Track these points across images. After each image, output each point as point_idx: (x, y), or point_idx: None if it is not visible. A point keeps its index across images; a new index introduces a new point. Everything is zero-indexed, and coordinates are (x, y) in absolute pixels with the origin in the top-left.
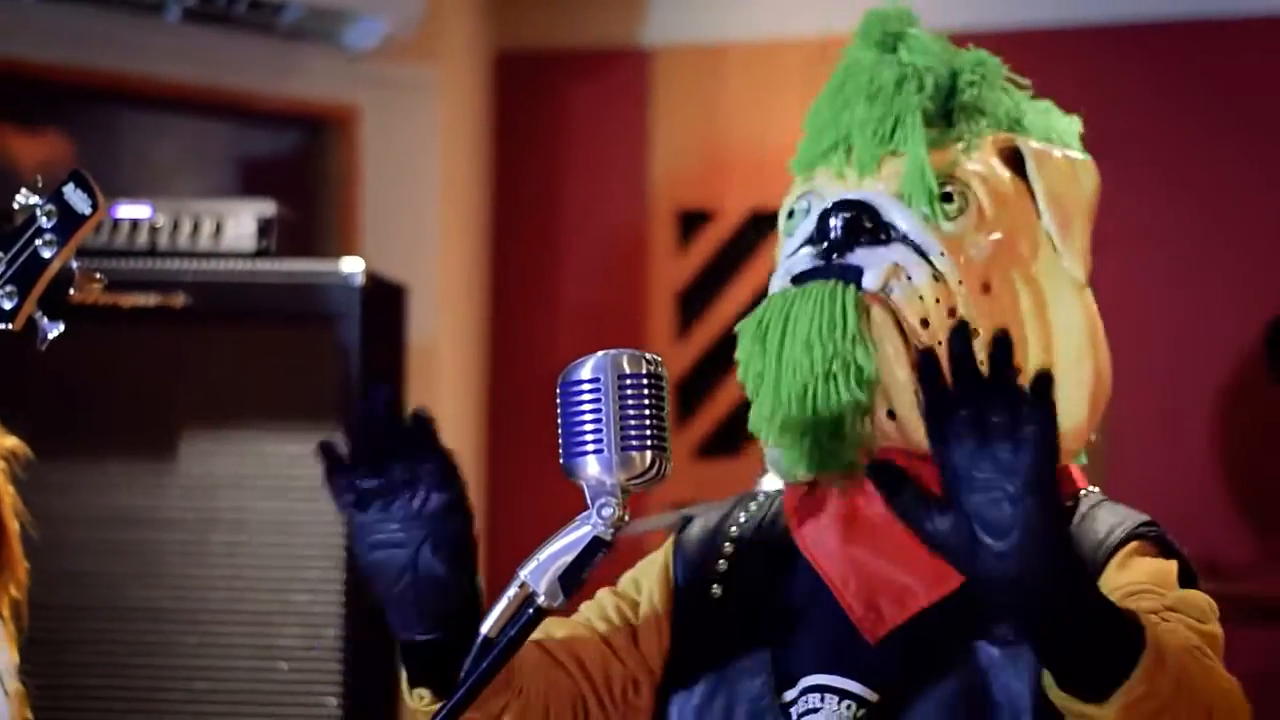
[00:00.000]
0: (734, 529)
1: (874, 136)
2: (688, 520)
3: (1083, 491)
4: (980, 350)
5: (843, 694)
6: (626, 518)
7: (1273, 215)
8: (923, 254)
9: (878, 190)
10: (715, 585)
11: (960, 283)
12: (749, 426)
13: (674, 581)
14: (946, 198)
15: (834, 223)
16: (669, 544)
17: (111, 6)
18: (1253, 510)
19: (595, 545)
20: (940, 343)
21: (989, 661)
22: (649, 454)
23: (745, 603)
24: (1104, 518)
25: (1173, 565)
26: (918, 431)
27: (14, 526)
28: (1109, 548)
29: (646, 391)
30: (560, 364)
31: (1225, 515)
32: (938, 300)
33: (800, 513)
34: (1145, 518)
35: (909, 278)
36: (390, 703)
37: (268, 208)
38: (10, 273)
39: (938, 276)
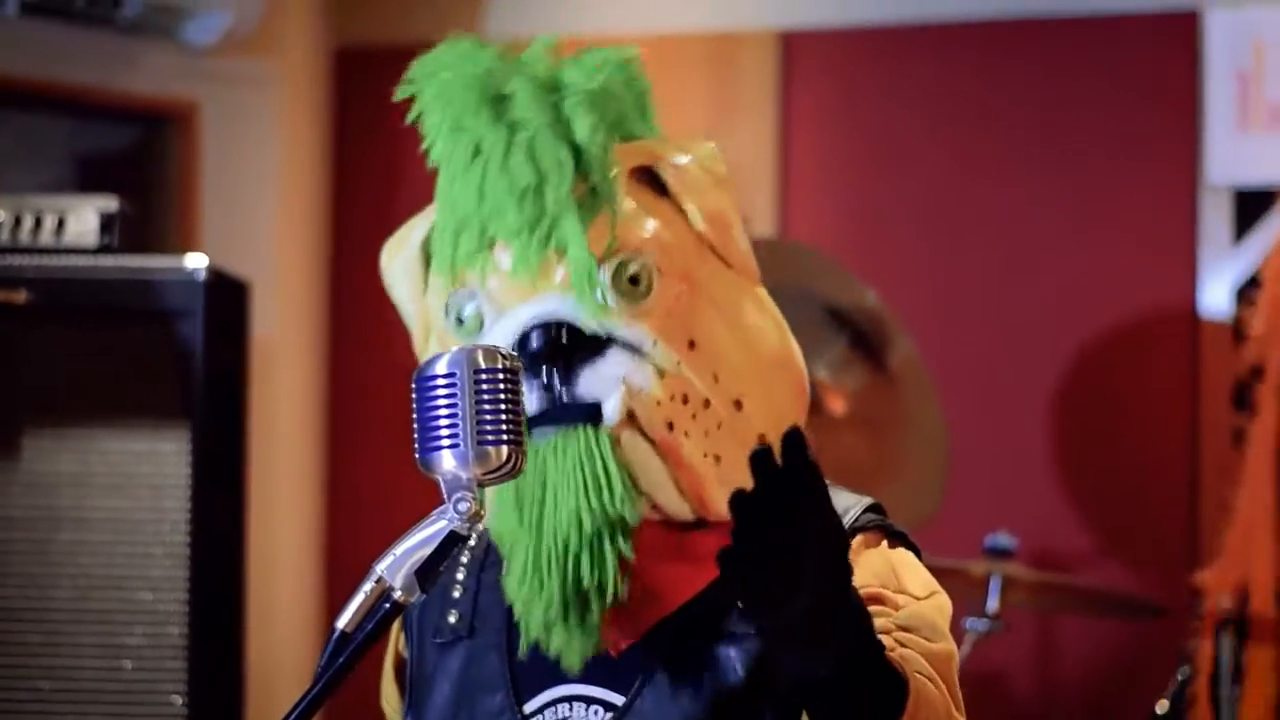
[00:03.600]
0: (464, 555)
1: (531, 241)
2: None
3: None
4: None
5: (590, 700)
6: (482, 512)
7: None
8: (637, 351)
9: (555, 294)
10: (451, 611)
11: (679, 363)
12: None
13: (407, 629)
14: (633, 280)
15: (541, 351)
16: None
17: None
18: (1088, 505)
19: (451, 539)
20: (686, 433)
21: (728, 662)
22: (505, 449)
23: (481, 622)
24: (839, 495)
25: (899, 555)
26: (682, 512)
27: None
28: (853, 525)
29: (502, 386)
30: (401, 361)
31: (1063, 509)
32: (672, 397)
33: None
34: (868, 501)
35: (641, 389)
36: (234, 701)
37: (110, 203)
38: None
39: (660, 371)
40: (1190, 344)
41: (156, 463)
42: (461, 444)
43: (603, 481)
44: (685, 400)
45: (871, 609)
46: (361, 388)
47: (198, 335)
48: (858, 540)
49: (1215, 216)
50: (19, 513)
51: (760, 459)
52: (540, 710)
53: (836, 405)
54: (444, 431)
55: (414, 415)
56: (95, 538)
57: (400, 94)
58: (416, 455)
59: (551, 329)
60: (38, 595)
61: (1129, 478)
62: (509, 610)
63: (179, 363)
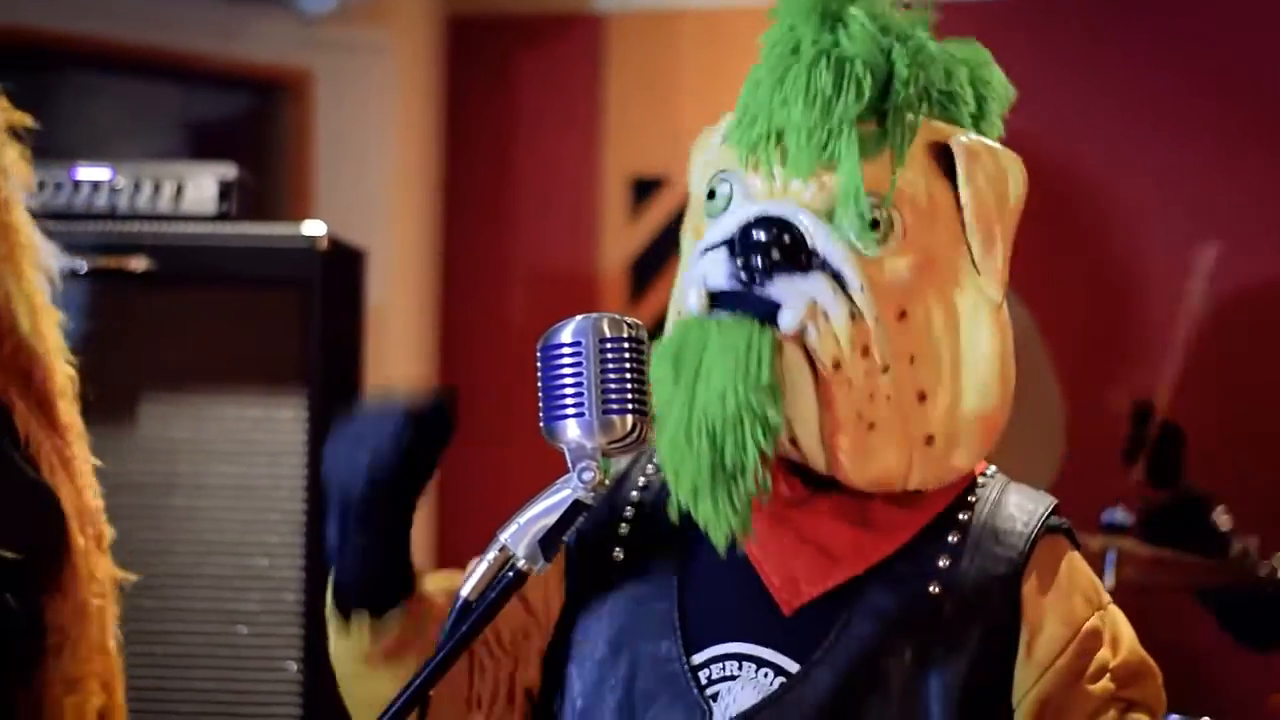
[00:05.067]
0: (634, 493)
1: (809, 144)
2: None
3: (982, 476)
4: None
5: (761, 663)
6: (607, 481)
7: None
8: (842, 285)
9: (806, 199)
10: (617, 549)
11: (876, 319)
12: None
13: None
14: (873, 223)
15: (756, 239)
16: None
17: None
18: (1205, 480)
19: (576, 508)
20: (850, 382)
21: (901, 648)
22: (630, 418)
23: (649, 566)
24: (1013, 504)
25: (1085, 567)
26: (817, 457)
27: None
28: (1027, 544)
29: (627, 355)
30: (512, 328)
31: None
32: (853, 342)
33: None
34: (1050, 500)
35: (825, 316)
36: None
37: (229, 170)
38: None
39: (854, 314)
40: None
41: (273, 429)
42: (586, 413)
43: (753, 373)
44: (865, 353)
45: (1093, 674)
46: (471, 356)
47: (316, 302)
48: (1051, 542)
49: None
50: (137, 479)
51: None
52: (707, 664)
53: None
54: (569, 400)
55: (538, 384)
56: (212, 504)
57: None
58: (541, 423)
59: (776, 225)
60: (155, 561)
61: (1248, 452)
62: (682, 546)
63: (297, 330)
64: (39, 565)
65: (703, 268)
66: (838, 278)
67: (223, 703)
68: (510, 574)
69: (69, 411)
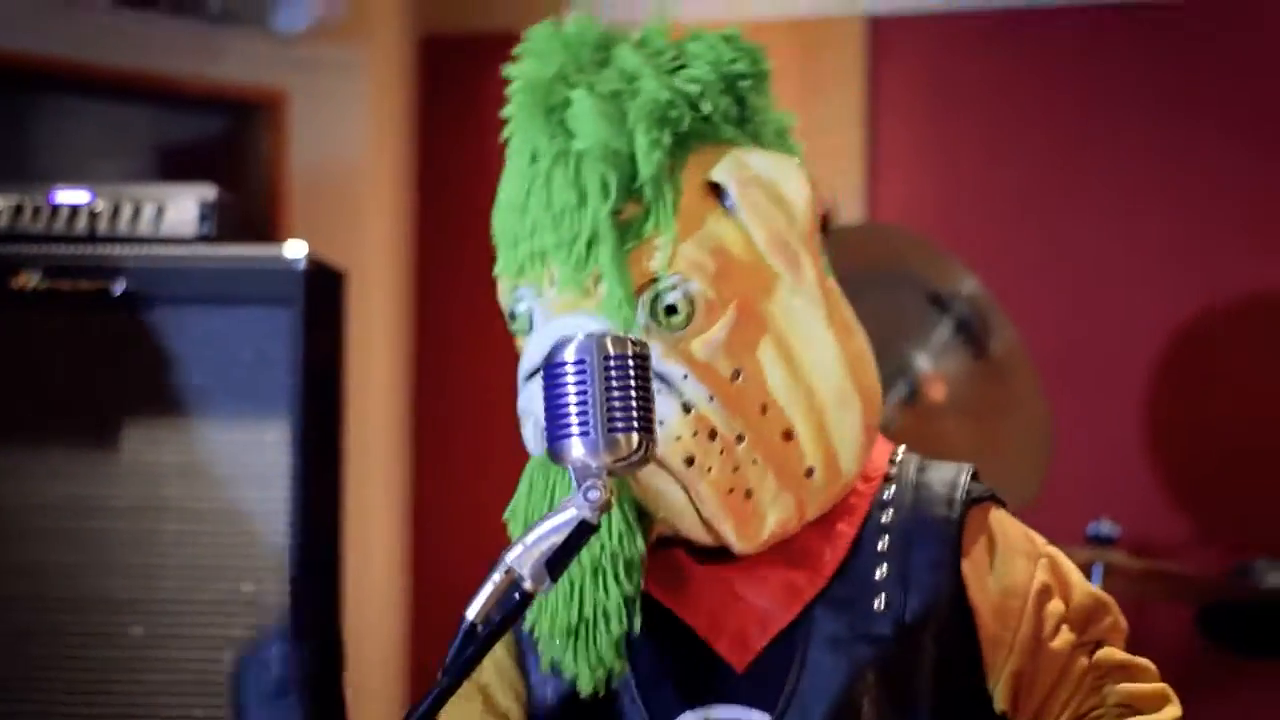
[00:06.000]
0: None
1: (570, 261)
2: None
3: (891, 464)
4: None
5: None
6: (612, 501)
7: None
8: (666, 383)
9: (593, 316)
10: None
11: (710, 398)
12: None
13: (517, 632)
14: (669, 310)
15: None
16: None
17: None
18: (1189, 492)
19: (582, 529)
20: (710, 469)
21: (865, 665)
22: (635, 436)
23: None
24: (933, 485)
25: (1013, 524)
26: (708, 540)
27: None
28: (956, 529)
29: (632, 372)
30: (490, 347)
31: (1165, 496)
32: (695, 433)
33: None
34: (969, 467)
35: (660, 423)
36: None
37: (209, 192)
38: None
39: (687, 406)
40: None
41: (259, 453)
42: (591, 431)
43: (609, 515)
44: (712, 436)
45: (1055, 629)
46: (449, 377)
47: (298, 325)
48: (978, 513)
49: None
50: (121, 503)
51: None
52: None
53: (937, 392)
54: (573, 419)
55: (543, 403)
56: (199, 528)
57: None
58: (545, 444)
59: None
60: (141, 585)
61: (1232, 465)
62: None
63: (278, 353)
64: None
65: (525, 401)
66: (658, 377)
67: None
68: (516, 596)
69: None
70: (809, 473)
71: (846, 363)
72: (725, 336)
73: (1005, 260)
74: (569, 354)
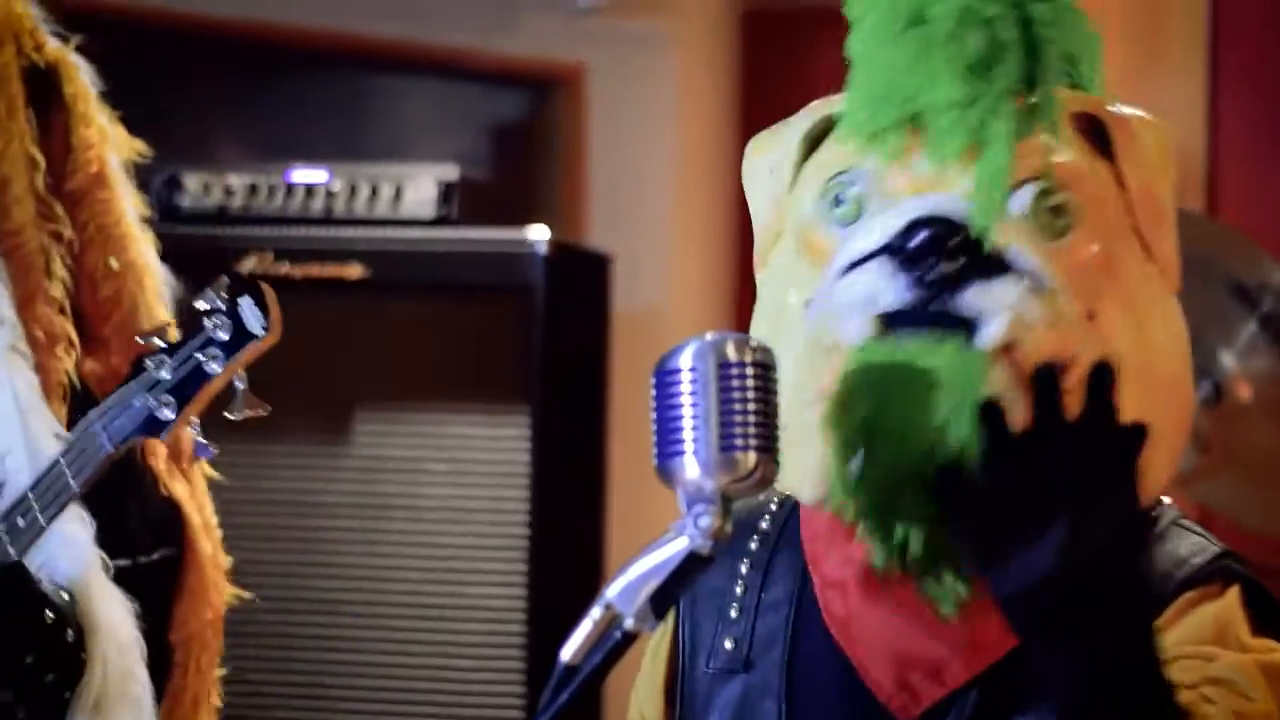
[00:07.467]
0: (743, 569)
1: (960, 124)
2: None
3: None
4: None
5: None
6: (728, 529)
7: None
8: (1039, 287)
9: (957, 197)
10: (727, 636)
11: (1074, 323)
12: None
13: (678, 641)
14: (1054, 210)
15: (933, 243)
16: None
17: None
18: None
19: (691, 561)
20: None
21: None
22: (752, 455)
23: (759, 656)
24: (1183, 538)
25: (1239, 612)
26: None
27: (205, 549)
28: (1188, 575)
29: (751, 383)
30: None
31: None
32: (1060, 351)
33: (818, 560)
34: (1218, 548)
35: (1032, 323)
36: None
37: (450, 172)
38: (173, 382)
39: (1058, 320)
40: None
41: (495, 449)
42: (703, 449)
43: (974, 405)
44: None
45: (1182, 658)
46: None
47: (539, 312)
48: (1190, 596)
49: None
50: (349, 499)
51: (1044, 379)
52: None
53: (1243, 392)
54: (684, 434)
55: (652, 415)
56: (428, 528)
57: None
58: (654, 461)
59: (942, 227)
60: (369, 586)
61: None
62: (790, 643)
63: (520, 342)
64: (165, 574)
65: (858, 288)
66: (1033, 282)
67: None
68: (618, 635)
69: None
70: None
71: (1182, 350)
72: (1093, 269)
73: None
74: (682, 360)
